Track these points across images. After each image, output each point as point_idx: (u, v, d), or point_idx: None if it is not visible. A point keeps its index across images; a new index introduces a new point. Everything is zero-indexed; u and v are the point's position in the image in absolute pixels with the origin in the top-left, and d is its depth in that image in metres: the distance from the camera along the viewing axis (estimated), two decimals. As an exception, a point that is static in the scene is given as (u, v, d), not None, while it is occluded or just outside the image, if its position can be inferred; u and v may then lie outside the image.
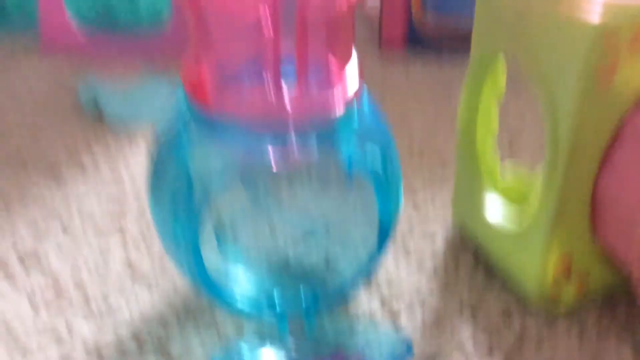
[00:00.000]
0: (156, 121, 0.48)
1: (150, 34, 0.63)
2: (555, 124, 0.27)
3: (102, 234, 0.36)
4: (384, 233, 0.29)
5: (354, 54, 0.27)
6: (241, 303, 0.29)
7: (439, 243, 0.36)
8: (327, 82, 0.26)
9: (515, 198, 0.36)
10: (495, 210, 0.33)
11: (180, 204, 0.25)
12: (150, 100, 0.51)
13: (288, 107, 0.23)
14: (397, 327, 0.31)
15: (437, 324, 0.31)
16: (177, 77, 0.57)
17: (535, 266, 0.30)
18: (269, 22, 0.22)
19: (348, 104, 0.26)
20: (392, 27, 0.64)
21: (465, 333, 0.30)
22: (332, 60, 0.26)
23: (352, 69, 0.26)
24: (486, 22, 0.31)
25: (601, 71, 0.25)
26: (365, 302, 0.32)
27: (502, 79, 0.33)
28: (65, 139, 0.46)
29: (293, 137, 0.24)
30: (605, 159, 0.27)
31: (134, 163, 0.44)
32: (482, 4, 0.31)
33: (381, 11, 0.64)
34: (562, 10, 0.25)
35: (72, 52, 0.64)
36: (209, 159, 0.25)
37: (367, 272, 0.30)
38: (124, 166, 0.43)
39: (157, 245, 0.35)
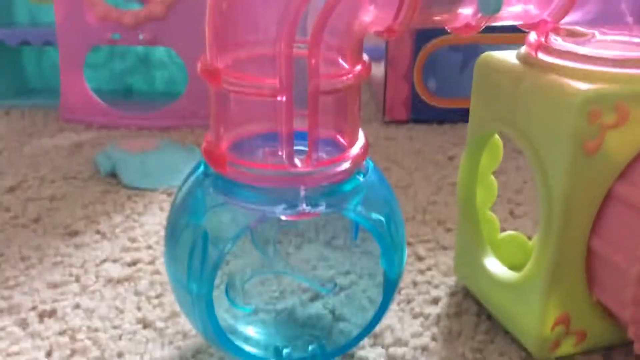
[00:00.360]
0: (170, 187, 0.51)
1: (166, 104, 0.67)
2: (548, 191, 0.29)
3: (118, 295, 0.38)
4: (389, 290, 0.31)
5: (359, 125, 0.29)
6: (251, 356, 0.30)
7: (443, 306, 0.37)
8: (336, 151, 0.28)
9: (515, 264, 0.38)
10: (496, 274, 0.34)
11: (195, 262, 0.27)
12: (164, 169, 0.53)
13: (299, 176, 0.25)
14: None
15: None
16: (190, 146, 0.59)
17: (534, 325, 0.31)
18: (284, 100, 0.24)
19: (355, 172, 0.28)
20: (396, 98, 0.67)
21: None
22: (341, 131, 0.28)
23: (358, 138, 0.29)
24: (481, 105, 0.33)
25: (588, 144, 0.27)
26: (371, 354, 0.33)
27: (498, 152, 0.35)
28: (84, 206, 0.49)
29: (303, 203, 0.26)
30: (596, 222, 0.29)
31: (149, 228, 0.45)
32: (477, 90, 0.33)
33: (385, 83, 0.67)
34: (551, 92, 0.28)
35: (91, 121, 0.67)
36: (224, 221, 0.27)
37: (372, 326, 0.32)
38: (140, 231, 0.45)
39: (170, 303, 0.37)
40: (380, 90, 0.69)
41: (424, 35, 0.65)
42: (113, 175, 0.53)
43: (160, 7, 0.63)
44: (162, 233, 0.44)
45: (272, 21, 0.24)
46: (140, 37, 0.65)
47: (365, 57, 0.28)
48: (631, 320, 0.28)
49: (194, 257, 0.27)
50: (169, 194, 0.51)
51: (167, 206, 0.49)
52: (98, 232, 0.45)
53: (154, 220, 0.47)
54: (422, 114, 0.68)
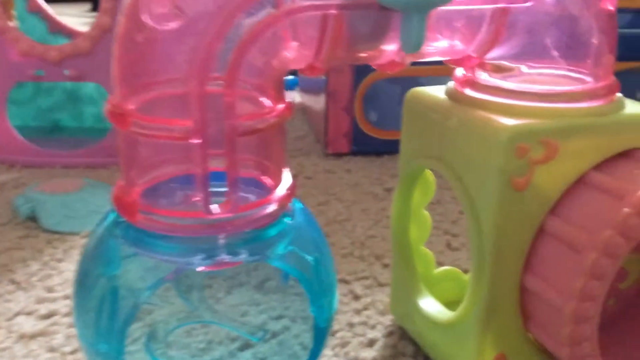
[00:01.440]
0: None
1: (95, 141, 0.64)
2: (479, 228, 0.28)
3: (30, 352, 0.35)
4: (319, 338, 0.29)
5: (285, 165, 0.27)
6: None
7: (379, 349, 0.35)
8: (261, 192, 0.26)
9: (451, 300, 0.37)
10: (431, 314, 0.33)
11: (104, 319, 0.25)
12: (87, 211, 0.50)
13: (218, 223, 0.24)
14: None
15: None
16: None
17: (472, 369, 0.30)
18: (198, 138, 0.23)
19: (279, 213, 0.26)
20: (338, 131, 0.67)
21: None
22: (265, 172, 0.27)
23: (283, 179, 0.27)
24: (411, 141, 0.32)
25: (517, 180, 0.26)
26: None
27: (430, 187, 0.34)
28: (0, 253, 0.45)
29: (223, 253, 0.24)
30: (529, 259, 0.28)
31: (68, 275, 0.42)
32: (407, 126, 0.32)
33: (326, 115, 0.66)
34: (478, 128, 0.27)
35: (14, 160, 0.63)
36: (136, 274, 0.25)
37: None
38: (58, 279, 0.42)
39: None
40: (321, 123, 0.68)
41: (363, 67, 0.65)
42: (33, 218, 0.50)
43: (86, 42, 0.61)
44: (84, 280, 0.42)
45: (183, 59, 0.23)
46: (66, 72, 0.62)
47: (287, 95, 0.26)
48: (567, 357, 0.27)
49: (103, 313, 0.25)
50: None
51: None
52: (12, 281, 0.42)
53: (73, 267, 0.43)
54: (363, 146, 0.67)
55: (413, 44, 0.23)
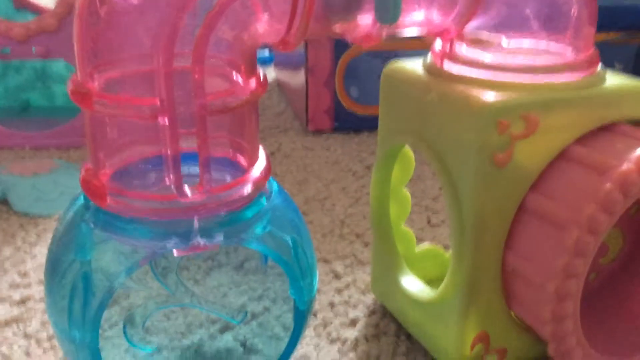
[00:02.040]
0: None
1: (66, 120, 0.62)
2: (459, 206, 0.27)
3: (5, 339, 0.34)
4: (299, 320, 0.28)
5: (259, 144, 0.27)
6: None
7: (361, 328, 0.35)
8: (233, 173, 0.25)
9: (433, 278, 0.36)
10: (412, 292, 0.33)
11: (76, 306, 0.24)
12: (59, 193, 0.49)
13: (192, 206, 0.23)
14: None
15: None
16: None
17: (453, 345, 0.29)
18: (166, 120, 0.22)
19: (255, 194, 0.25)
20: (319, 107, 0.65)
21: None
22: (239, 151, 0.26)
23: (259, 158, 0.26)
24: (389, 118, 0.32)
25: (498, 156, 0.26)
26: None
27: (410, 165, 0.34)
28: (-32, 237, 0.44)
29: (197, 236, 0.23)
30: (510, 236, 0.28)
31: (42, 259, 0.41)
32: (384, 102, 0.32)
33: (307, 94, 0.65)
34: (458, 103, 0.26)
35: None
36: (108, 260, 0.24)
37: (285, 358, 0.29)
38: (31, 264, 0.41)
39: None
40: (301, 99, 0.67)
41: (343, 41, 0.63)
42: (3, 202, 0.49)
43: (52, 19, 0.59)
44: (57, 265, 0.41)
45: (151, 33, 0.21)
46: (33, 50, 0.60)
47: (260, 70, 0.25)
48: (551, 337, 0.27)
49: (76, 300, 0.24)
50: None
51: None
52: (-17, 266, 0.40)
53: (46, 251, 0.42)
54: (345, 122, 0.66)
55: (390, 15, 0.22)
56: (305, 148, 0.62)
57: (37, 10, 0.71)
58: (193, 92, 0.21)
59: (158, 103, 0.21)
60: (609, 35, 0.65)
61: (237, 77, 0.24)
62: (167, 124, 0.21)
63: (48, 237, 0.44)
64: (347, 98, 0.65)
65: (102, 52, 0.22)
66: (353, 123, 0.66)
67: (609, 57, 0.65)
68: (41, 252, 0.42)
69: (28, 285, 0.39)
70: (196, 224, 0.24)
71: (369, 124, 0.66)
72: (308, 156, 0.60)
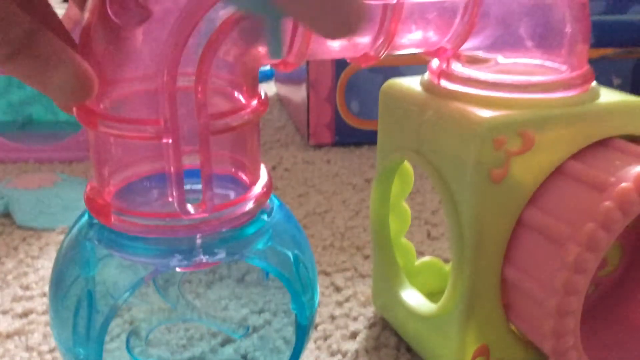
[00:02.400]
0: (69, 227, 0.47)
1: (69, 135, 0.63)
2: (458, 220, 0.28)
3: (7, 352, 0.34)
4: (301, 335, 0.29)
5: (260, 162, 0.27)
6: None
7: (361, 340, 0.35)
8: (239, 189, 0.26)
9: (433, 291, 0.37)
10: (413, 306, 0.33)
11: (80, 323, 0.24)
12: (62, 207, 0.50)
13: (194, 223, 0.23)
14: None
15: None
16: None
17: (453, 359, 0.30)
18: (169, 138, 0.22)
19: (257, 211, 0.26)
20: (320, 122, 0.66)
21: None
22: (241, 169, 0.26)
23: (260, 176, 0.27)
24: (388, 133, 0.32)
25: (494, 172, 0.26)
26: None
27: (409, 179, 0.34)
28: (-28, 252, 0.44)
29: (200, 253, 0.24)
30: (509, 250, 0.28)
31: (44, 272, 0.42)
32: (383, 118, 0.32)
33: (308, 106, 0.66)
34: (455, 120, 0.27)
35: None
36: (112, 277, 0.24)
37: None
38: (34, 277, 0.41)
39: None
40: (302, 114, 0.67)
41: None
42: (6, 215, 0.49)
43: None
44: (61, 279, 0.41)
45: (155, 53, 0.22)
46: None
47: (261, 89, 0.26)
48: (552, 352, 0.27)
49: (80, 317, 0.24)
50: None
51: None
52: (-13, 280, 0.41)
53: (49, 264, 0.43)
54: (346, 136, 0.67)
55: (273, 49, 0.22)
56: (306, 162, 0.63)
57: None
58: (196, 112, 0.22)
59: (162, 124, 0.22)
60: (606, 51, 0.65)
61: (239, 96, 0.25)
62: (170, 143, 0.22)
63: (51, 251, 0.45)
64: (348, 112, 0.66)
65: (105, 73, 0.23)
66: (354, 137, 0.67)
67: (607, 72, 0.66)
68: (44, 266, 0.43)
69: (30, 298, 0.39)
70: (199, 241, 0.24)
71: (370, 138, 0.66)
72: (309, 170, 0.61)
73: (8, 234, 0.47)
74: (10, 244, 0.46)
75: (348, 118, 0.66)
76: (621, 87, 0.67)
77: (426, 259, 0.38)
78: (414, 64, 0.63)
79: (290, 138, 0.70)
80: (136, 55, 0.23)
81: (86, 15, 0.23)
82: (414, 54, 0.29)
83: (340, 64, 0.64)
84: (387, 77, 0.33)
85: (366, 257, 0.45)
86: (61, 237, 0.47)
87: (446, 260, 0.39)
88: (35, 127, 0.71)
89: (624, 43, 0.66)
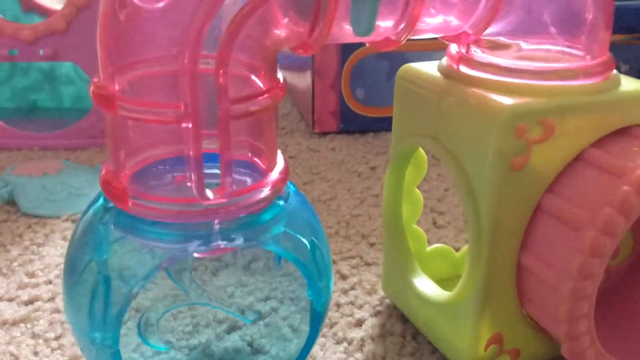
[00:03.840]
0: (75, 214, 0.47)
1: (73, 122, 0.62)
2: (476, 209, 0.27)
3: (13, 339, 0.34)
4: (316, 322, 0.29)
5: (277, 147, 0.27)
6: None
7: (367, 328, 0.35)
8: (255, 175, 0.26)
9: (443, 277, 0.37)
10: (426, 293, 0.33)
11: (97, 308, 0.24)
12: (67, 194, 0.49)
13: (212, 208, 0.23)
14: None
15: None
16: (99, 166, 0.55)
17: (467, 346, 0.30)
18: (189, 122, 0.22)
19: (274, 197, 0.26)
20: (325, 109, 0.65)
21: None
22: (258, 154, 0.26)
23: (277, 162, 0.26)
24: (403, 120, 0.32)
25: (515, 160, 0.26)
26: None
27: (423, 166, 0.34)
28: (-23, 238, 0.44)
29: (218, 238, 0.23)
30: (526, 238, 0.28)
31: (49, 260, 0.41)
32: (399, 104, 0.32)
33: (313, 95, 0.65)
34: (475, 107, 0.27)
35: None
36: (129, 262, 0.24)
37: (302, 356, 0.30)
38: (39, 264, 0.41)
39: (71, 345, 0.33)
40: (307, 101, 0.67)
41: (349, 43, 0.63)
42: (11, 202, 0.49)
43: (60, 20, 0.59)
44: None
45: (175, 35, 0.22)
46: (41, 52, 0.60)
47: (280, 74, 0.25)
48: (565, 337, 0.27)
49: (96, 301, 0.24)
50: (73, 221, 0.47)
51: (70, 235, 0.45)
52: (-7, 266, 0.41)
53: (55, 252, 0.42)
54: (351, 124, 0.66)
55: (363, 28, 0.22)
56: (310, 149, 0.63)
57: (45, 13, 0.71)
58: (217, 97, 0.21)
59: (182, 107, 0.21)
60: (614, 37, 0.65)
61: (257, 81, 0.24)
62: (190, 127, 0.21)
63: (56, 238, 0.44)
64: (353, 100, 0.66)
65: (123, 54, 0.23)
66: (358, 124, 0.66)
67: (615, 58, 0.66)
68: (49, 253, 0.42)
69: (36, 286, 0.39)
70: (216, 226, 0.24)
71: (375, 126, 0.66)
72: (314, 157, 0.61)
73: (13, 222, 0.47)
74: (15, 231, 0.45)
75: (353, 105, 0.66)
76: (628, 74, 0.67)
77: (437, 245, 0.38)
78: (422, 50, 0.62)
79: (295, 125, 0.70)
80: (153, 36, 0.22)
81: (104, -5, 0.22)
82: (423, 40, 0.28)
83: (345, 51, 0.64)
84: (393, 64, 0.32)
85: (371, 245, 0.44)
86: (66, 224, 0.46)
87: (453, 248, 0.39)
88: (39, 114, 0.71)
89: (631, 30, 0.65)
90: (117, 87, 0.23)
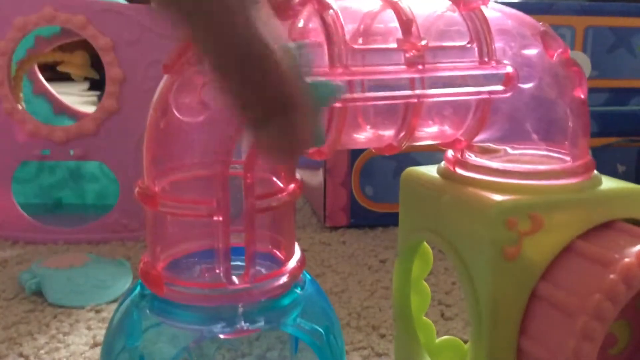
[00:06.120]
0: (98, 305, 0.49)
1: (96, 217, 0.65)
2: (475, 295, 0.30)
3: None
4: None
5: (295, 239, 0.30)
6: None
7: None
8: (274, 265, 0.29)
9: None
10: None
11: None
12: (92, 285, 0.52)
13: (237, 293, 0.26)
14: None
15: None
16: (120, 260, 0.57)
17: None
18: (220, 215, 0.25)
19: (292, 284, 0.28)
20: (336, 205, 0.69)
21: None
22: (277, 246, 0.29)
23: (294, 252, 0.29)
24: (408, 216, 0.35)
25: (508, 250, 0.29)
26: None
27: (429, 259, 0.37)
28: (7, 327, 0.46)
29: (242, 321, 0.26)
30: (524, 323, 0.30)
31: (75, 348, 0.43)
32: (404, 202, 0.35)
33: (325, 191, 0.69)
34: (470, 203, 0.30)
35: (17, 237, 0.65)
36: (161, 343, 0.27)
37: None
38: (65, 352, 0.43)
39: None
40: (319, 197, 0.71)
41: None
42: (38, 293, 0.51)
43: (91, 123, 0.64)
44: (89, 354, 0.43)
45: (207, 145, 0.25)
46: (71, 152, 0.64)
47: (298, 175, 0.29)
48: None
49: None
50: (97, 312, 0.49)
51: (94, 324, 0.47)
52: (20, 354, 0.43)
53: (80, 340, 0.45)
54: (361, 219, 0.70)
55: (313, 140, 0.24)
56: (322, 243, 0.65)
57: (75, 115, 0.76)
58: (244, 194, 0.25)
59: (214, 204, 0.25)
60: (610, 140, 0.69)
61: (277, 182, 0.28)
62: (221, 221, 0.25)
63: (81, 327, 0.47)
64: (363, 196, 0.69)
65: (165, 160, 0.26)
66: (368, 219, 0.70)
67: (612, 159, 0.70)
68: (74, 342, 0.44)
69: (63, 373, 0.41)
70: (240, 309, 0.26)
71: (383, 220, 0.69)
72: (325, 251, 0.63)
73: (40, 311, 0.49)
74: (42, 320, 0.48)
75: (363, 201, 0.69)
76: (626, 174, 0.71)
77: (445, 337, 0.40)
78: (426, 151, 0.66)
79: (307, 220, 0.73)
80: (191, 145, 0.26)
81: (150, 111, 0.26)
82: (427, 145, 0.32)
83: (355, 151, 0.68)
84: (399, 163, 0.36)
85: (382, 336, 0.46)
86: (90, 314, 0.49)
87: (462, 340, 0.40)
88: (63, 209, 0.74)
89: (626, 132, 0.70)
90: (157, 188, 0.26)
